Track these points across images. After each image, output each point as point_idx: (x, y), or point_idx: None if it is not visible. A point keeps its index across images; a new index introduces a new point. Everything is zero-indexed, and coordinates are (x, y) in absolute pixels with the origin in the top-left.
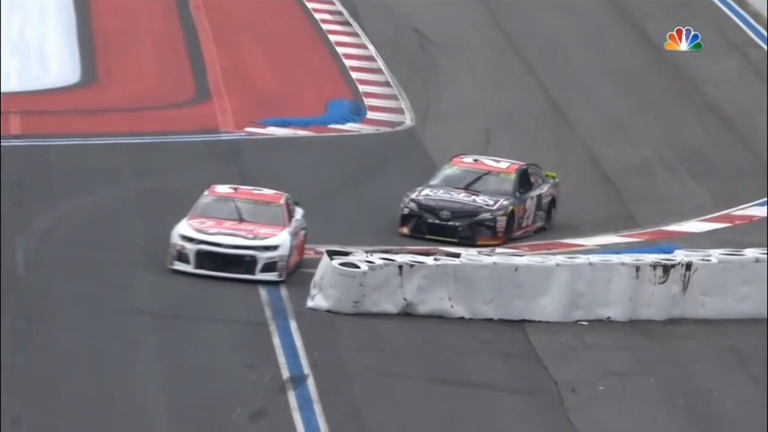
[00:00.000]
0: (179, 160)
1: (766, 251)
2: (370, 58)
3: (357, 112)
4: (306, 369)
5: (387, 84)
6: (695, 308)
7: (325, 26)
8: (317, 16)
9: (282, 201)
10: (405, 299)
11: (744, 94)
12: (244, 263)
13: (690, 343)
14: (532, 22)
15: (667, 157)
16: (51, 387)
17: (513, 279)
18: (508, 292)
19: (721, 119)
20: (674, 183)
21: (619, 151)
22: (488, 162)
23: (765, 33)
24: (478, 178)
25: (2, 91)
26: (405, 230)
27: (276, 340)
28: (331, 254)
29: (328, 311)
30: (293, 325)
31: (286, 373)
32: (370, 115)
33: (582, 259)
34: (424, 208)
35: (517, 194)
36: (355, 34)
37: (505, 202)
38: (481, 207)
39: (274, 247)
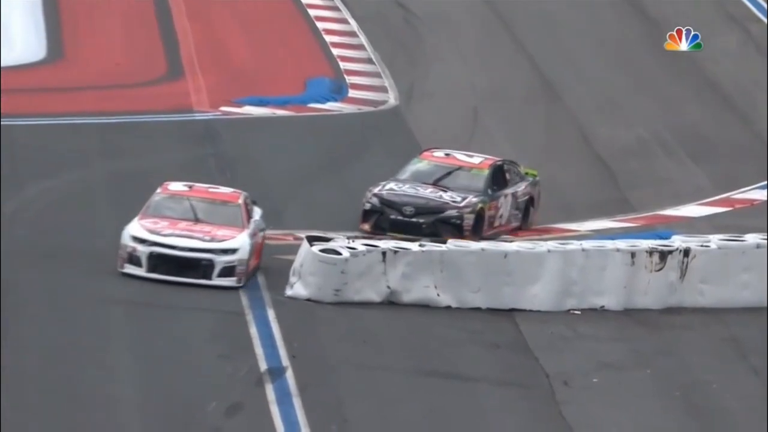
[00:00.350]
0: (150, 142)
1: (767, 237)
2: (352, 34)
3: (338, 91)
4: (284, 361)
5: (370, 61)
6: (693, 297)
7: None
8: None
9: (240, 200)
10: (389, 287)
11: (745, 70)
12: (201, 267)
13: (688, 334)
14: None
15: (664, 137)
16: (19, 381)
17: (502, 266)
18: (497, 280)
19: (721, 97)
20: (672, 165)
21: (613, 132)
22: (460, 157)
23: (766, 7)
24: (449, 174)
25: None
26: (366, 227)
27: (253, 330)
28: (311, 240)
29: (308, 300)
30: (271, 314)
31: (263, 365)
32: (351, 93)
33: (575, 244)
34: (387, 203)
35: (489, 192)
36: (336, 9)
37: (475, 200)
38: (447, 203)
39: (233, 250)
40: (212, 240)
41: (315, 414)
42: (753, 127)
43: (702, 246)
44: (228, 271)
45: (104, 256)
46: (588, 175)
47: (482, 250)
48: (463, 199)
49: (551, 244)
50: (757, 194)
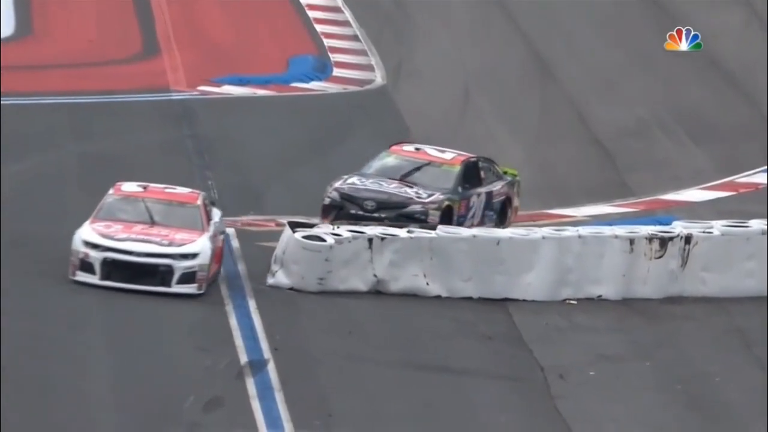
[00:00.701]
0: (125, 122)
1: None
2: (337, 9)
3: (322, 69)
4: (266, 353)
5: (355, 38)
6: (695, 285)
7: None
8: None
9: (198, 201)
10: (375, 276)
11: (748, 48)
12: (159, 274)
13: (689, 324)
14: None
15: (664, 118)
16: None
17: (494, 253)
18: (488, 268)
19: (724, 76)
20: (672, 147)
21: (611, 112)
22: (431, 152)
23: None
24: (417, 169)
25: None
26: (326, 222)
27: (233, 321)
28: (294, 226)
29: (291, 289)
30: (252, 304)
31: (244, 358)
32: (336, 72)
33: (571, 231)
34: (347, 197)
35: (460, 189)
36: None
37: (442, 196)
38: (411, 198)
39: (193, 255)
40: (170, 244)
41: (298, 409)
42: (757, 108)
43: (704, 232)
44: (188, 277)
45: None
46: (584, 158)
47: (474, 236)
48: (430, 195)
49: (546, 231)
50: (761, 178)
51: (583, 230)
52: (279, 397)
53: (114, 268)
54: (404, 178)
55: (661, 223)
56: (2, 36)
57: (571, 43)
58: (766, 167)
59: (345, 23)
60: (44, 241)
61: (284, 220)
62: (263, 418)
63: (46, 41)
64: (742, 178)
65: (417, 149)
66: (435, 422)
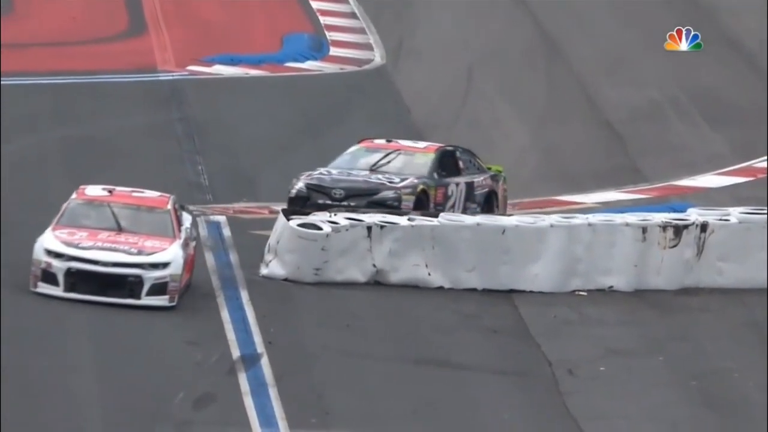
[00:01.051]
0: (110, 104)
1: None
2: None
3: (318, 48)
4: (259, 347)
5: (353, 15)
6: (711, 276)
7: None
8: None
9: (169, 205)
10: (374, 266)
11: None
12: (127, 285)
13: (705, 317)
14: None
15: (678, 99)
16: None
17: (500, 242)
18: (494, 258)
19: (742, 55)
20: (687, 129)
21: (622, 93)
22: (404, 142)
23: None
24: (388, 158)
25: None
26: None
27: (225, 314)
28: (288, 214)
29: (286, 280)
30: (244, 295)
31: (236, 352)
32: (333, 51)
33: (580, 219)
34: (314, 188)
35: (436, 176)
36: None
37: (416, 181)
38: (383, 184)
39: (164, 265)
40: (140, 253)
41: (293, 406)
42: None
43: (721, 220)
44: (159, 288)
45: None
46: (594, 142)
47: (478, 225)
48: (403, 180)
49: (554, 218)
50: None
51: (593, 218)
52: (273, 393)
53: (79, 279)
54: (375, 168)
55: (675, 211)
56: None
57: (580, 20)
58: None
59: (342, 0)
60: (25, 229)
61: (278, 207)
62: (256, 415)
63: (28, 19)
64: (761, 163)
65: (389, 141)
66: (436, 420)
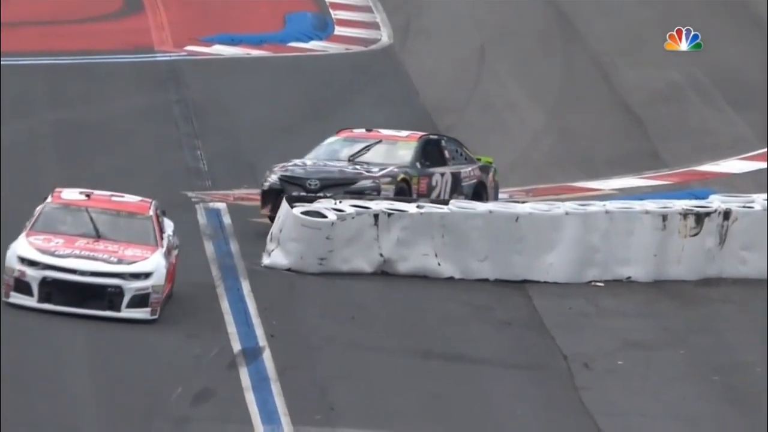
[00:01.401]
0: (105, 86)
1: None
2: None
3: (322, 27)
4: (261, 340)
5: None
6: (734, 266)
7: None
8: None
9: (150, 211)
10: (382, 255)
11: None
12: (107, 296)
13: (727, 308)
14: None
15: (700, 80)
16: None
17: (513, 231)
18: (506, 247)
19: (766, 35)
20: (709, 112)
21: (641, 74)
22: (385, 132)
23: None
24: (368, 148)
25: None
26: (265, 211)
27: (225, 305)
28: (292, 201)
29: (289, 270)
30: (246, 286)
31: (237, 346)
32: (338, 30)
33: (597, 206)
34: (288, 179)
35: (418, 165)
36: None
37: (397, 170)
38: (360, 174)
39: (146, 275)
40: (120, 262)
41: (296, 401)
42: None
43: (744, 207)
44: (140, 300)
45: None
46: (612, 125)
47: (490, 212)
48: (383, 169)
49: (569, 206)
50: None
51: (611, 205)
52: (275, 388)
53: (54, 290)
54: (354, 158)
55: (696, 197)
56: None
57: None
58: None
59: None
60: (17, 219)
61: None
62: (258, 411)
63: None
64: None
65: (368, 130)
66: (446, 416)
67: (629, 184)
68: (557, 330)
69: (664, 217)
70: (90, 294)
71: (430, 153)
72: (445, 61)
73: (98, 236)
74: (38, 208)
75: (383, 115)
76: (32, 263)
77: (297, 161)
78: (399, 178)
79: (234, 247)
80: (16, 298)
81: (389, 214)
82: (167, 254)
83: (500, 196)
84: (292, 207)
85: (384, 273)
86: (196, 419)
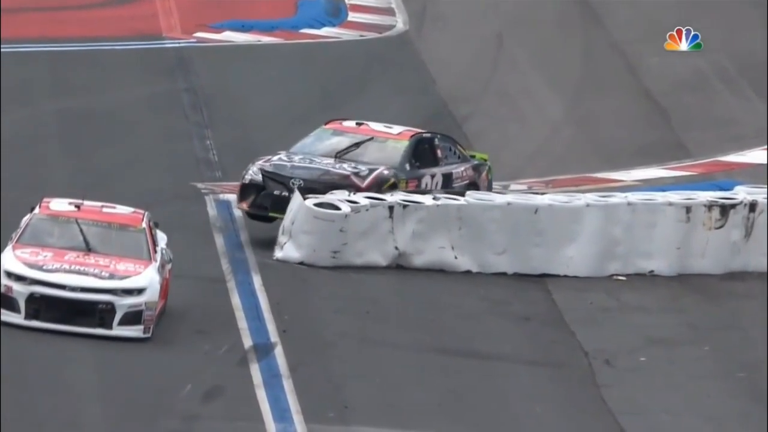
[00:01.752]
0: (111, 74)
1: None
2: None
3: (335, 13)
4: (273, 336)
5: None
6: (760, 259)
7: None
8: None
9: (143, 223)
10: (397, 248)
11: None
12: (97, 313)
13: (753, 303)
14: None
15: (725, 68)
16: None
17: (532, 223)
18: (525, 240)
19: None
20: (734, 101)
21: (665, 62)
22: (376, 127)
23: None
24: (357, 145)
25: None
26: (244, 205)
27: (235, 300)
28: (305, 192)
29: (301, 263)
30: (257, 280)
31: (247, 342)
32: (351, 16)
33: (619, 197)
34: (270, 176)
35: (408, 166)
36: None
37: (386, 172)
38: (347, 176)
39: (139, 291)
40: (112, 277)
41: (309, 399)
42: None
43: None
44: (133, 317)
45: None
46: (634, 114)
47: (508, 204)
48: (371, 171)
49: (590, 197)
50: None
51: (633, 197)
52: (287, 385)
53: (43, 306)
54: (342, 155)
55: (721, 189)
56: None
57: None
58: None
59: None
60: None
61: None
62: (270, 409)
63: None
64: None
65: (359, 124)
66: (463, 414)
67: (652, 175)
68: (577, 325)
69: (688, 209)
70: (80, 311)
71: (422, 153)
72: (462, 49)
73: (89, 249)
74: (25, 219)
75: (398, 104)
76: (19, 278)
77: (282, 155)
78: (386, 185)
79: (245, 239)
80: (2, 315)
81: (404, 206)
82: (161, 269)
83: (519, 187)
84: (304, 198)
85: (399, 266)
86: (206, 417)
